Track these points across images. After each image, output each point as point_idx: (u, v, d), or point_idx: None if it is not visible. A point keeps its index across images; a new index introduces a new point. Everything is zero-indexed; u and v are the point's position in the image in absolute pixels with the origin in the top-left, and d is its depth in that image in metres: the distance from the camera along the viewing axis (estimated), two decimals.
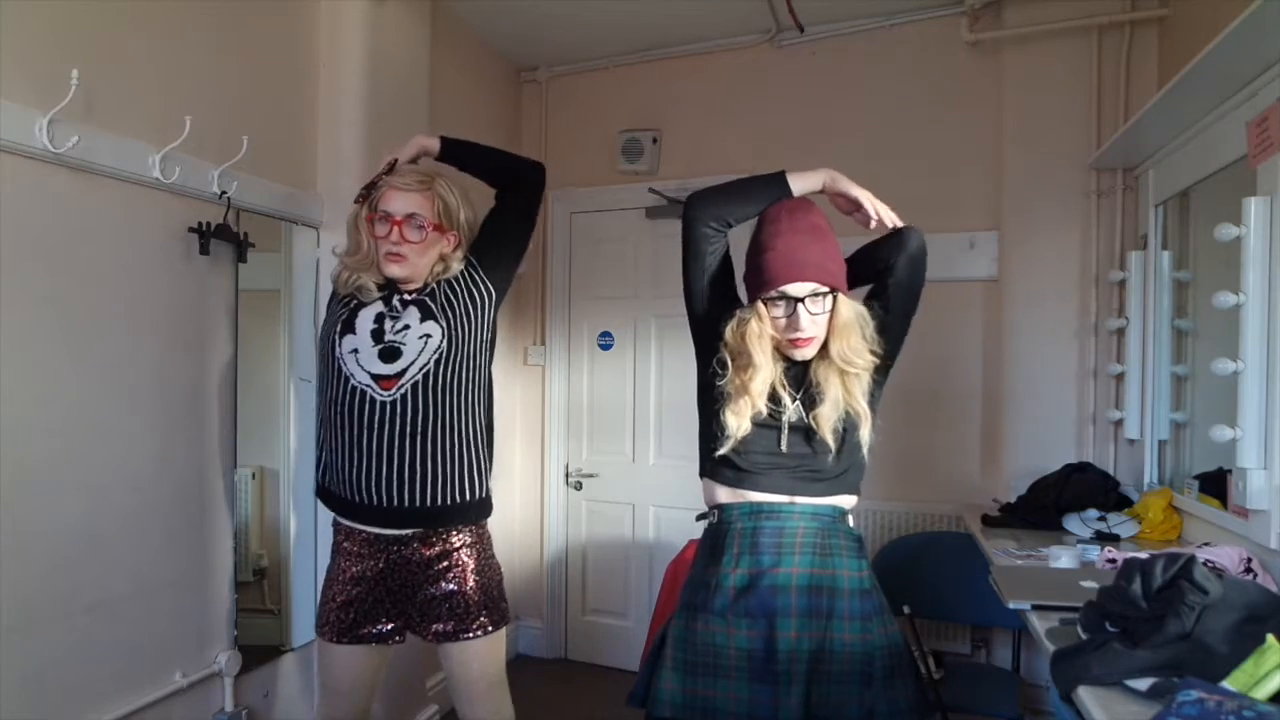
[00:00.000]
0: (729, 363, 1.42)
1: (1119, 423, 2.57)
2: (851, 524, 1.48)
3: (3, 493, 1.51)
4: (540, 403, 3.53)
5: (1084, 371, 2.67)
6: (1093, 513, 2.26)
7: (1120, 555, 1.78)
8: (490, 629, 1.74)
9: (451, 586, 1.71)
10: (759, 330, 1.39)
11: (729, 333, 1.43)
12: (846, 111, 3.01)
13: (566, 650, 3.50)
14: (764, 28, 3.08)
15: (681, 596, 1.48)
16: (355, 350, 1.67)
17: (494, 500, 1.84)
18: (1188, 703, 0.93)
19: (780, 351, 1.43)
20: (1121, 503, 2.33)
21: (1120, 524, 2.20)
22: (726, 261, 1.50)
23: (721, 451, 1.42)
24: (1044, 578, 1.71)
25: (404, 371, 1.66)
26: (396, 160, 1.76)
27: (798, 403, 1.42)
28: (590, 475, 3.45)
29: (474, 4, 2.92)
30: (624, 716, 1.70)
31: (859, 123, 2.98)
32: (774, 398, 1.41)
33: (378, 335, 1.68)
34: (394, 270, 1.68)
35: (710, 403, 1.46)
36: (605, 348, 3.43)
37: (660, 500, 3.31)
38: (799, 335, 1.39)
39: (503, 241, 1.79)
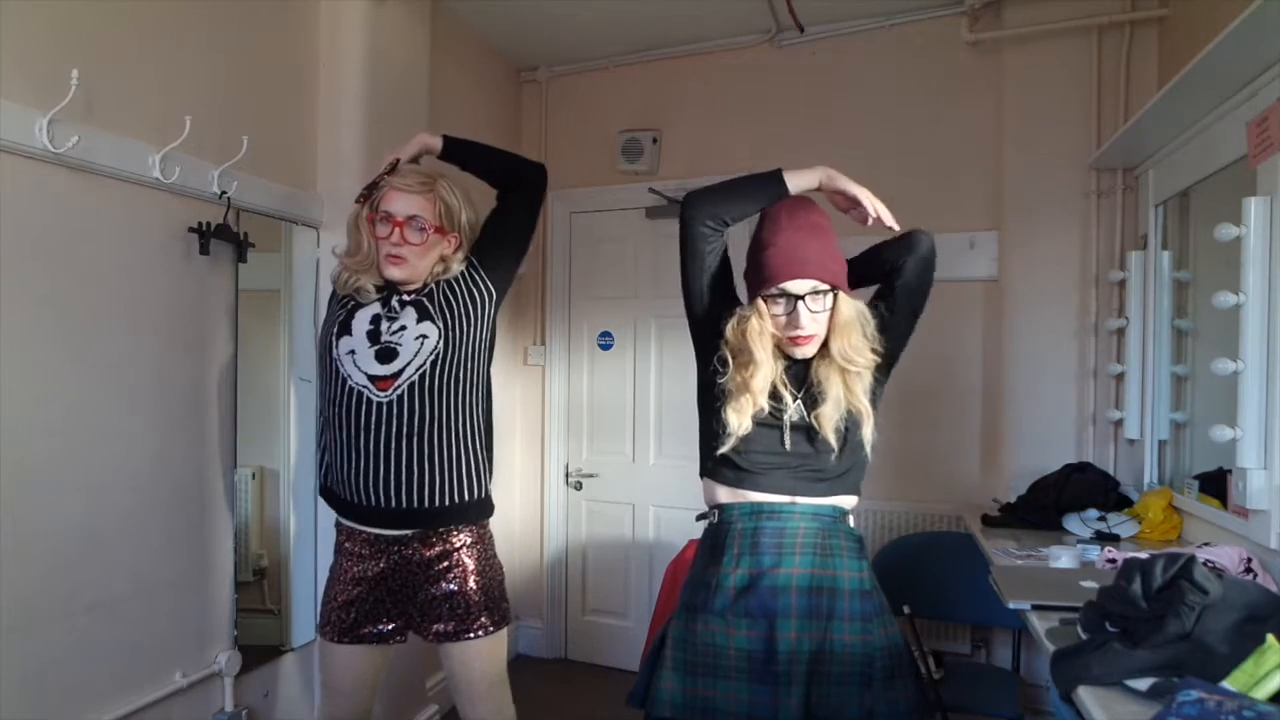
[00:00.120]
0: (730, 361, 1.42)
1: (1119, 423, 2.57)
2: (852, 524, 1.47)
3: (3, 492, 1.51)
4: (540, 403, 3.53)
5: (1084, 371, 2.67)
6: (1093, 513, 2.26)
7: (1120, 555, 1.78)
8: (491, 629, 1.74)
9: (452, 587, 1.71)
10: (759, 328, 1.40)
11: (729, 330, 1.43)
12: (846, 111, 3.01)
13: (566, 650, 3.50)
14: (764, 28, 3.08)
15: (681, 597, 1.48)
16: (352, 351, 1.67)
17: (494, 500, 1.83)
18: (1188, 703, 0.93)
19: (781, 349, 1.43)
20: (1121, 503, 2.33)
21: (1120, 524, 2.20)
22: (725, 261, 1.50)
23: (723, 450, 1.41)
24: (1044, 578, 1.71)
25: (400, 372, 1.65)
26: (398, 160, 1.75)
27: (799, 402, 1.42)
28: (590, 475, 3.45)
29: (474, 4, 2.92)
30: (624, 716, 1.70)
31: (859, 123, 2.99)
32: (775, 396, 1.41)
33: (374, 336, 1.68)
34: (394, 272, 1.68)
35: (711, 401, 1.46)
36: (605, 348, 3.43)
37: (660, 500, 3.31)
38: (799, 333, 1.39)
39: (504, 242, 1.78)
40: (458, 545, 1.72)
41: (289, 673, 2.25)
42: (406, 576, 1.72)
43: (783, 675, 1.34)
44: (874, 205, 1.46)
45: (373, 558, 1.72)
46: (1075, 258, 2.67)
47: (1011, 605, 1.53)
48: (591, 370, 3.46)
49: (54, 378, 1.60)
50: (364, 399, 1.65)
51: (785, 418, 1.41)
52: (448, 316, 1.70)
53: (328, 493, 1.78)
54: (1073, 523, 2.25)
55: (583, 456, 3.48)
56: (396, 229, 1.65)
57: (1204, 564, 1.24)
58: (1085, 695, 1.12)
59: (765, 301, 1.40)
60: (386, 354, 1.66)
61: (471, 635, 1.71)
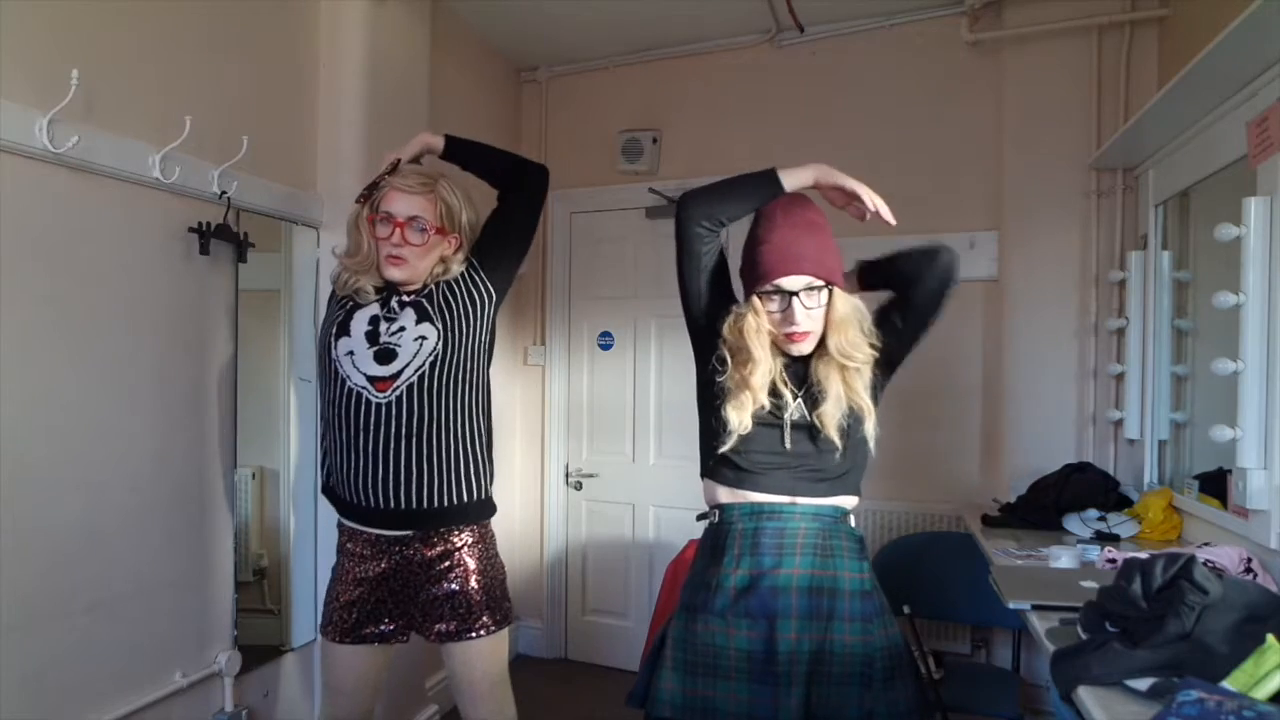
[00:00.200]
0: (728, 359, 1.42)
1: (1119, 423, 2.57)
2: (853, 524, 1.47)
3: (3, 492, 1.51)
4: (540, 403, 3.53)
5: (1084, 371, 2.67)
6: (1093, 513, 2.26)
7: (1120, 555, 1.78)
8: (493, 629, 1.73)
9: (454, 586, 1.71)
10: (756, 325, 1.40)
11: (727, 328, 1.43)
12: (846, 111, 3.01)
13: (566, 650, 3.50)
14: (764, 28, 3.08)
15: (681, 597, 1.48)
16: (351, 352, 1.67)
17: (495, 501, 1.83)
18: (1188, 703, 0.93)
19: (778, 347, 1.43)
20: (1121, 503, 2.33)
21: (1120, 524, 2.20)
22: (722, 262, 1.50)
23: (724, 449, 1.41)
24: (1044, 578, 1.71)
25: (399, 373, 1.65)
26: (399, 160, 1.75)
27: (800, 400, 1.42)
28: (590, 475, 3.45)
29: (474, 4, 2.92)
30: (624, 716, 1.70)
31: (859, 123, 2.99)
32: (776, 395, 1.41)
33: (372, 337, 1.67)
34: (394, 273, 1.67)
35: (710, 400, 1.46)
36: (605, 348, 3.43)
37: (660, 500, 3.31)
38: (795, 329, 1.39)
39: (504, 243, 1.78)
40: (459, 545, 1.72)
41: (289, 673, 2.25)
42: (408, 577, 1.72)
43: (783, 676, 1.34)
44: (872, 199, 1.45)
45: (374, 558, 1.72)
46: (1075, 258, 2.67)
47: (1011, 605, 1.53)
48: (591, 370, 3.46)
49: (54, 378, 1.60)
50: (363, 400, 1.65)
51: (786, 416, 1.41)
52: (447, 318, 1.69)
53: (330, 493, 1.78)
54: (1073, 523, 2.25)
55: (583, 456, 3.48)
56: (397, 229, 1.65)
57: (1204, 564, 1.24)
58: (1085, 695, 1.12)
59: (761, 298, 1.41)
60: (385, 355, 1.66)
61: (473, 635, 1.71)
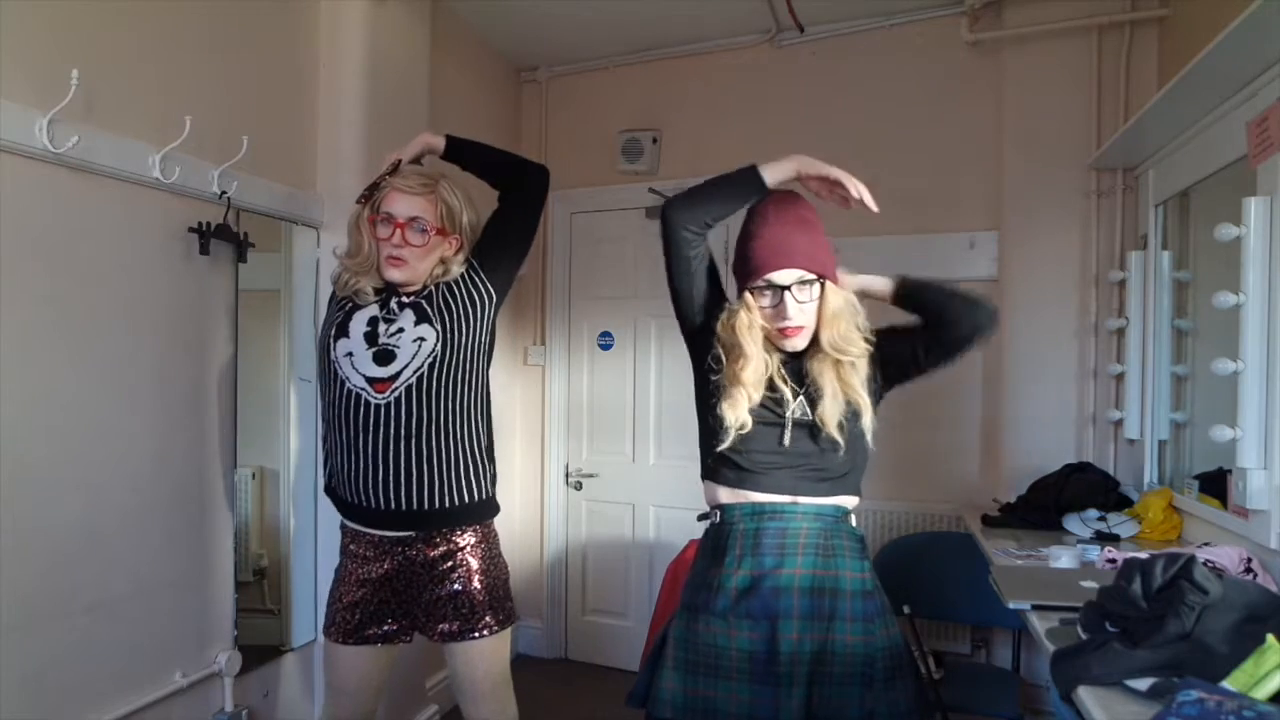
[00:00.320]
0: (723, 357, 1.42)
1: (1119, 423, 2.57)
2: (854, 524, 1.47)
3: (3, 492, 1.50)
4: (540, 403, 3.53)
5: (1084, 371, 2.67)
6: (1093, 513, 2.26)
7: (1120, 555, 1.78)
8: (496, 628, 1.73)
9: (457, 586, 1.71)
10: (748, 321, 1.40)
11: (720, 325, 1.43)
12: (846, 111, 3.01)
13: (566, 650, 3.50)
14: (764, 28, 3.08)
15: (682, 597, 1.48)
16: (350, 354, 1.67)
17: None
18: (1188, 703, 0.93)
19: (773, 343, 1.43)
20: (1121, 503, 2.33)
21: (1120, 524, 2.20)
22: (713, 265, 1.50)
23: (722, 447, 1.41)
24: (1044, 578, 1.71)
25: (398, 375, 1.65)
26: (400, 161, 1.75)
27: (800, 399, 1.41)
28: (590, 475, 3.45)
29: (474, 4, 2.92)
30: (624, 716, 1.70)
31: (859, 123, 2.98)
32: (775, 393, 1.41)
33: (371, 338, 1.67)
34: (394, 274, 1.67)
35: (707, 398, 1.46)
36: (605, 348, 3.43)
37: (660, 500, 3.31)
38: (787, 324, 1.39)
39: (504, 244, 1.78)
40: (462, 545, 1.72)
41: (289, 673, 2.25)
42: (411, 577, 1.72)
43: (784, 676, 1.34)
44: (855, 186, 1.44)
45: (377, 559, 1.72)
46: (1075, 258, 2.67)
47: (1011, 605, 1.53)
48: (591, 370, 3.46)
49: (54, 378, 1.60)
50: (362, 401, 1.65)
51: (787, 415, 1.41)
52: (446, 319, 1.69)
53: (332, 494, 1.78)
54: (1073, 523, 2.25)
55: (583, 456, 3.48)
56: (398, 230, 1.65)
57: (1204, 564, 1.24)
58: (1085, 695, 1.12)
59: (753, 294, 1.41)
60: (384, 356, 1.66)
61: (476, 635, 1.71)
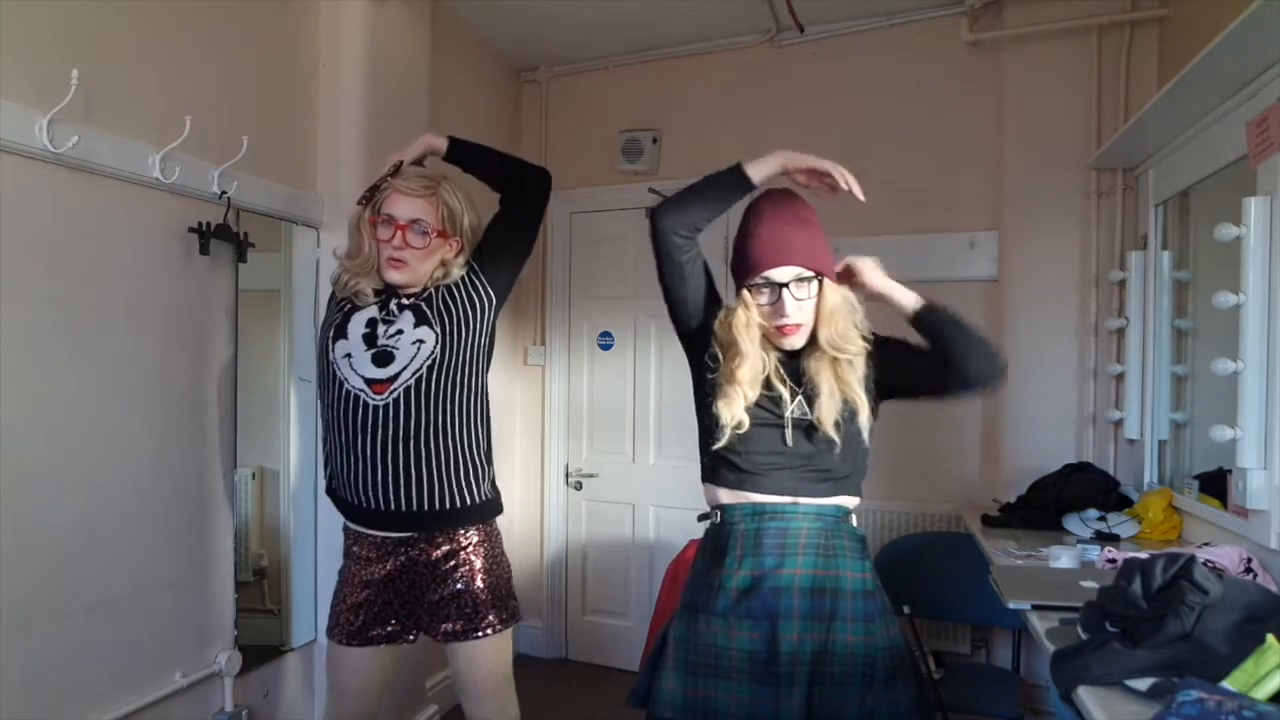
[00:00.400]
0: (720, 356, 1.42)
1: (1119, 423, 2.57)
2: (854, 524, 1.47)
3: (3, 492, 1.50)
4: (540, 403, 3.53)
5: (1084, 371, 2.67)
6: (1093, 513, 2.26)
7: (1120, 555, 1.78)
8: (499, 627, 1.73)
9: (460, 586, 1.71)
10: (746, 319, 1.39)
11: (717, 324, 1.43)
12: (846, 111, 3.01)
13: (566, 650, 3.50)
14: (764, 28, 3.08)
15: (683, 597, 1.48)
16: (349, 355, 1.67)
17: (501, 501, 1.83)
18: (1188, 703, 0.93)
19: (771, 341, 1.43)
20: (1121, 503, 2.33)
21: (1120, 524, 2.20)
22: (706, 269, 1.50)
23: (718, 445, 1.41)
24: (1044, 578, 1.71)
25: (397, 376, 1.65)
26: (402, 162, 1.75)
27: (799, 398, 1.41)
28: (590, 475, 3.45)
29: (474, 4, 2.92)
30: (624, 717, 1.70)
31: (859, 122, 2.98)
32: (773, 392, 1.41)
33: (370, 339, 1.67)
34: (395, 276, 1.67)
35: (704, 397, 1.46)
36: (605, 348, 3.43)
37: (660, 500, 3.31)
38: (785, 321, 1.38)
39: (504, 248, 1.77)
40: (465, 544, 1.72)
41: (289, 673, 2.25)
42: (414, 578, 1.72)
43: (784, 676, 1.34)
44: (842, 175, 1.44)
45: (380, 560, 1.72)
46: (1075, 258, 2.67)
47: (1011, 605, 1.53)
48: (591, 370, 3.46)
49: (54, 378, 1.60)
50: (360, 402, 1.65)
51: (786, 415, 1.40)
52: (446, 322, 1.69)
53: (333, 495, 1.78)
54: (1073, 523, 2.25)
55: (583, 456, 3.48)
56: (399, 232, 1.65)
57: (1204, 564, 1.24)
58: (1085, 695, 1.12)
59: (750, 292, 1.40)
60: (383, 357, 1.66)
61: (479, 634, 1.71)
